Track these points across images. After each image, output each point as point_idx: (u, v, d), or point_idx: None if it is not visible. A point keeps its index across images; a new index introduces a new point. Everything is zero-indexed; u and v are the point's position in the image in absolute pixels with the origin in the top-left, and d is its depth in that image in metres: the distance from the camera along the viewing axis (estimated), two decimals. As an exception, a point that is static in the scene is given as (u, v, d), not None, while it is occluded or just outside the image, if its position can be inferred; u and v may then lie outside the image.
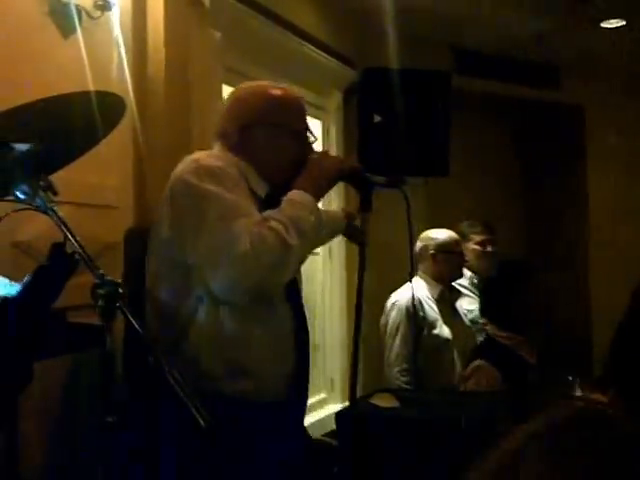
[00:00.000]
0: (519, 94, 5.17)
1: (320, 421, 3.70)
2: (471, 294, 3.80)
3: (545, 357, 2.61)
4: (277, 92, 1.80)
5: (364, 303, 3.29)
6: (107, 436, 1.24)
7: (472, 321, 3.64)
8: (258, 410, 1.62)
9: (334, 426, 3.53)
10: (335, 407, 4.04)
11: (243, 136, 1.74)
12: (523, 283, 2.64)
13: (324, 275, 4.24)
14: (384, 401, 2.29)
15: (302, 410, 1.85)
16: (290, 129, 1.74)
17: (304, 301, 1.84)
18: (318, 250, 4.24)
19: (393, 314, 3.16)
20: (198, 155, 1.70)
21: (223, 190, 1.54)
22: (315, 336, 3.76)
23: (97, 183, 2.40)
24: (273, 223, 1.49)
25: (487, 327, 2.72)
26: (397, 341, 3.12)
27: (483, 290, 2.86)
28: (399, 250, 3.14)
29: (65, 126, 1.36)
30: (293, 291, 1.74)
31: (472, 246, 3.83)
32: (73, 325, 1.73)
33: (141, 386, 1.59)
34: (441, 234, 3.37)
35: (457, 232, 3.90)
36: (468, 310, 3.72)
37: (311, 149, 1.80)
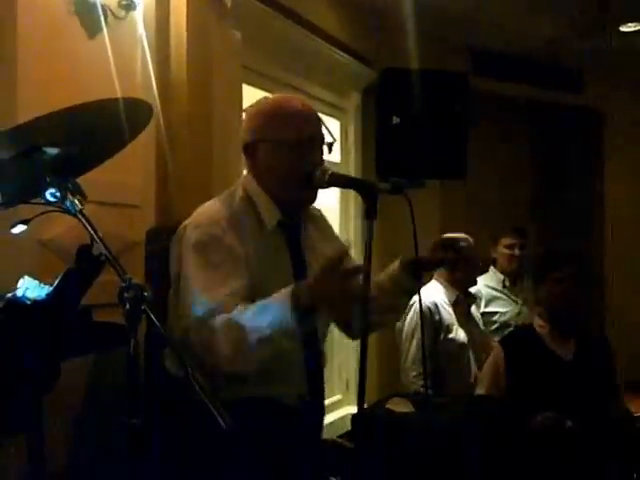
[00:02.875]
0: (538, 97, 5.14)
1: (335, 422, 3.71)
2: (503, 296, 3.83)
3: (583, 355, 2.61)
4: (275, 105, 1.80)
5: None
6: (131, 437, 1.26)
7: (504, 323, 3.68)
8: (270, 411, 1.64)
9: (349, 427, 3.54)
10: (350, 409, 4.04)
11: (248, 155, 1.78)
12: (546, 273, 2.71)
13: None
14: (399, 406, 2.30)
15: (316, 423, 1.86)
16: (289, 141, 1.72)
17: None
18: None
19: (409, 317, 3.14)
20: (198, 219, 1.74)
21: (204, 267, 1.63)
22: (331, 337, 3.78)
23: (119, 182, 2.41)
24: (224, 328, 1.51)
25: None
26: (413, 345, 3.11)
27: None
28: (409, 254, 3.14)
29: (93, 131, 1.38)
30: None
31: (501, 249, 3.87)
32: (98, 324, 1.75)
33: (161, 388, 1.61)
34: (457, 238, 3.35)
35: (489, 235, 3.94)
36: (501, 312, 3.76)
37: (321, 159, 1.77)
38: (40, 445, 1.45)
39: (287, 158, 1.71)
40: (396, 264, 1.86)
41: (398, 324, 3.20)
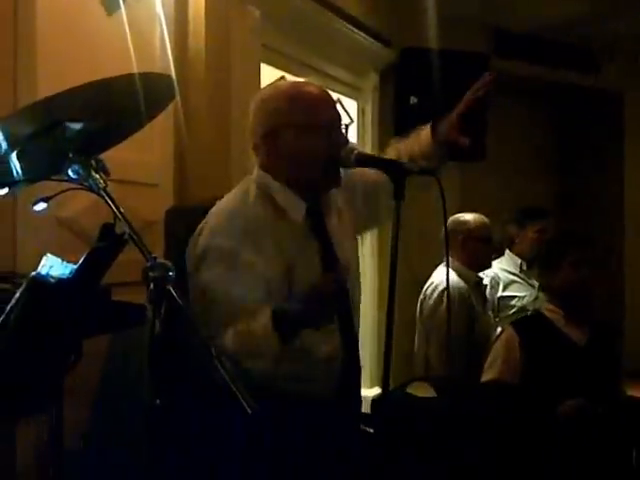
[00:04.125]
0: (558, 78, 5.07)
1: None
2: (520, 280, 3.77)
3: (596, 340, 2.55)
4: (295, 90, 1.74)
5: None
6: (154, 419, 1.24)
7: (522, 308, 3.60)
8: (302, 407, 1.61)
9: (364, 411, 3.51)
10: (364, 392, 4.01)
11: (269, 144, 1.69)
12: (561, 257, 2.56)
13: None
14: (420, 390, 2.28)
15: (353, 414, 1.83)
16: (315, 125, 1.68)
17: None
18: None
19: (442, 306, 2.97)
20: (214, 222, 1.68)
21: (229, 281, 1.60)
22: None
23: (138, 160, 2.39)
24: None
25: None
26: (443, 333, 2.90)
27: (537, 255, 2.81)
28: (429, 235, 3.07)
29: (116, 106, 1.35)
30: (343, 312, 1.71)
31: (530, 234, 3.79)
32: (116, 303, 1.74)
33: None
34: (472, 219, 3.20)
35: (512, 220, 3.85)
36: (519, 297, 3.68)
37: (345, 141, 1.74)
38: (58, 426, 1.44)
39: (314, 142, 1.66)
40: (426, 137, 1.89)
41: (424, 306, 3.07)
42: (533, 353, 2.44)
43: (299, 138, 1.67)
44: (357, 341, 1.80)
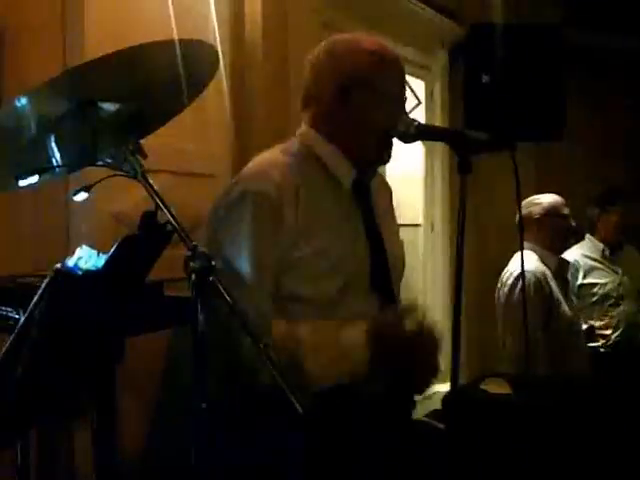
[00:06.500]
0: (636, 48, 4.74)
1: (422, 401, 3.56)
2: (603, 267, 3.61)
3: None
4: (377, 49, 1.56)
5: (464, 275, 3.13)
6: (200, 422, 1.14)
7: (605, 295, 3.51)
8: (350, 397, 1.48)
9: (436, 406, 3.37)
10: (437, 387, 3.86)
11: (335, 100, 1.53)
12: None
13: (425, 249, 4.06)
14: (495, 387, 2.13)
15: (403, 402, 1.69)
16: (391, 93, 1.55)
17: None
18: (420, 222, 4.08)
19: (517, 291, 2.83)
20: (248, 172, 1.55)
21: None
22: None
23: (194, 151, 2.33)
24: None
25: None
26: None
27: None
28: (504, 219, 2.92)
29: (152, 78, 1.23)
30: (381, 279, 1.58)
31: (614, 218, 3.63)
32: (171, 299, 1.65)
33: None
34: (545, 197, 3.06)
35: (594, 203, 3.66)
36: (601, 284, 3.56)
37: (401, 114, 1.57)
38: (105, 427, 1.37)
39: (382, 111, 1.52)
40: None
41: (501, 299, 2.93)
42: None
43: (371, 103, 1.52)
44: None
